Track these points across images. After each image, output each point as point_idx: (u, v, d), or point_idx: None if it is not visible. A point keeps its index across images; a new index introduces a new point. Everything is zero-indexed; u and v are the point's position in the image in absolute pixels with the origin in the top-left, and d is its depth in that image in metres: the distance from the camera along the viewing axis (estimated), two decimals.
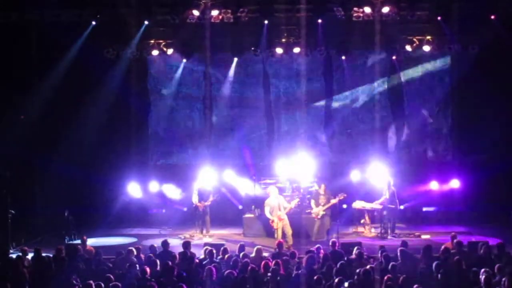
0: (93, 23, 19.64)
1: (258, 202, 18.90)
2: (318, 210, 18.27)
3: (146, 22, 19.90)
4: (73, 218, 18.89)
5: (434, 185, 20.29)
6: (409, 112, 21.87)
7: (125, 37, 20.13)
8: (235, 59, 21.53)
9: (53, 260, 13.68)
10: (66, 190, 20.11)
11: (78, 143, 20.50)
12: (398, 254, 13.18)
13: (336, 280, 11.40)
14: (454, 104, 21.53)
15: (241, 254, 13.67)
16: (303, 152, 20.25)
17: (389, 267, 12.25)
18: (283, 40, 20.30)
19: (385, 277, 11.55)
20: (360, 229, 19.13)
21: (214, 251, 13.67)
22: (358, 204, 19.07)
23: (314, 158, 20.27)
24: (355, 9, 19.19)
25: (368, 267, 12.16)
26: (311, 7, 19.25)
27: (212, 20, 19.51)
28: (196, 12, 19.35)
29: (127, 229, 20.09)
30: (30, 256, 14.29)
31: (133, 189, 20.28)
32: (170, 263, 12.71)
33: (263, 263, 12.67)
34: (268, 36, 20.10)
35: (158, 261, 13.05)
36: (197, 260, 13.46)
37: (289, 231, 17.52)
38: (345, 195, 18.18)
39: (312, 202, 18.51)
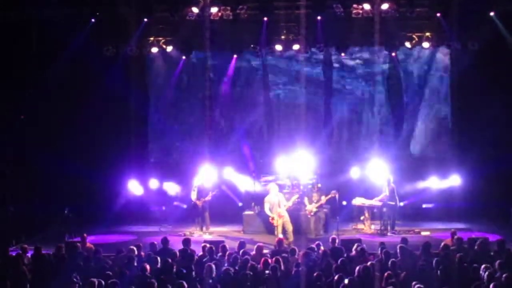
0: (92, 20, 19.66)
1: (258, 199, 18.92)
2: (311, 208, 18.28)
3: (145, 20, 19.92)
4: (73, 216, 18.92)
5: (433, 182, 20.30)
6: (409, 109, 21.86)
7: (125, 35, 20.12)
8: (235, 56, 21.54)
9: (53, 257, 13.71)
10: (66, 187, 20.12)
11: (78, 141, 20.52)
12: (398, 250, 13.21)
13: (336, 277, 11.42)
14: (453, 100, 21.51)
15: (241, 251, 13.68)
16: (302, 149, 20.25)
17: (389, 263, 12.26)
18: (283, 37, 20.28)
19: (385, 274, 11.57)
20: (360, 225, 19.15)
21: (214, 248, 13.69)
22: (358, 201, 19.08)
23: (313, 155, 20.26)
24: (355, 6, 19.20)
25: (368, 263, 12.19)
26: (310, 4, 19.28)
27: (212, 17, 19.53)
28: (195, 9, 19.37)
29: (127, 227, 20.10)
30: (30, 253, 14.29)
31: (133, 187, 20.29)
32: (170, 260, 12.73)
33: (262, 260, 12.69)
34: (267, 33, 20.09)
35: (158, 258, 13.06)
36: (197, 257, 13.46)
37: (289, 228, 17.53)
38: (337, 193, 17.98)
39: (306, 199, 18.51)
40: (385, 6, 18.94)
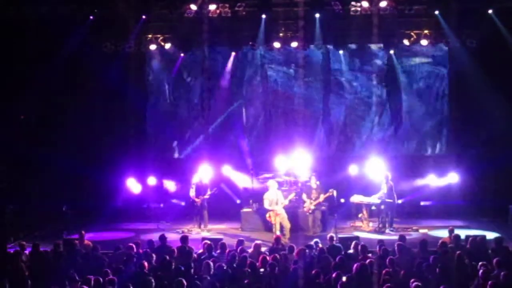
0: (91, 17, 19.65)
1: (256, 196, 18.92)
2: (309, 205, 18.29)
3: (144, 17, 19.92)
4: (71, 213, 18.92)
5: (432, 180, 20.31)
6: (407, 107, 21.86)
7: (123, 32, 20.12)
8: (233, 53, 21.54)
9: (51, 255, 13.71)
10: (64, 184, 20.12)
11: (77, 138, 20.51)
12: (396, 248, 13.21)
13: (334, 274, 11.43)
14: (451, 98, 21.52)
15: (239, 249, 13.68)
16: (301, 147, 20.25)
17: (387, 261, 12.27)
18: (281, 34, 20.27)
19: (383, 271, 11.58)
20: (358, 223, 19.14)
21: (213, 246, 13.70)
22: (356, 199, 19.08)
23: (312, 153, 20.26)
24: (353, 3, 19.19)
25: (366, 261, 12.19)
26: (308, 1, 19.26)
27: (210, 15, 19.49)
28: (193, 7, 19.35)
29: (125, 224, 20.09)
30: (28, 250, 14.29)
31: (131, 184, 20.28)
32: (168, 257, 12.74)
33: (260, 257, 12.69)
34: (265, 30, 20.08)
35: (156, 256, 13.06)
36: (195, 255, 13.47)
37: (287, 225, 17.53)
38: (335, 191, 18.02)
39: (304, 196, 18.51)
40: (383, 4, 18.93)
